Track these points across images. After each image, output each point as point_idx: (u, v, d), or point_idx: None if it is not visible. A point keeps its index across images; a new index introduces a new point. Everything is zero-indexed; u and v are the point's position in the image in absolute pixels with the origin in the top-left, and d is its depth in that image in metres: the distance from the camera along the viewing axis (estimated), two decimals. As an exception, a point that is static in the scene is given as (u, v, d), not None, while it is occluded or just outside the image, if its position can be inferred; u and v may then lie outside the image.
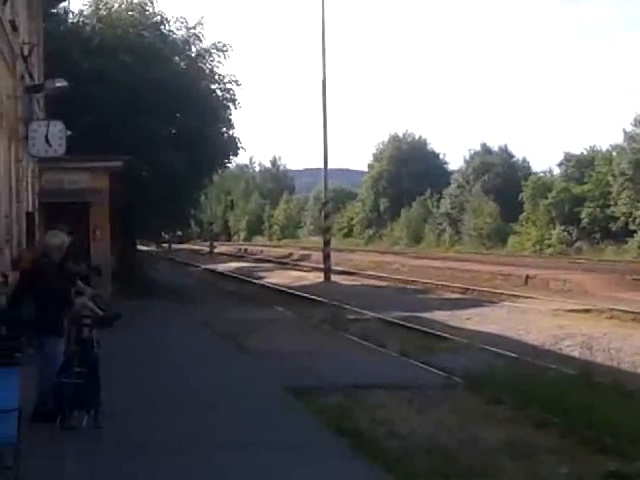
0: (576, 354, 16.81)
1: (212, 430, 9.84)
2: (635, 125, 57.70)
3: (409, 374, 13.72)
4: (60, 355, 10.01)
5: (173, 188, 28.86)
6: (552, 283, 32.86)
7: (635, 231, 56.80)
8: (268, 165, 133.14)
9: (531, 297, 28.30)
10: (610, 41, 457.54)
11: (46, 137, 19.81)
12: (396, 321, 21.59)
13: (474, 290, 31.42)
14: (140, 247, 39.50)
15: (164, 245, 48.14)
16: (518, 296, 28.72)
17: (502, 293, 29.83)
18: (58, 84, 21.36)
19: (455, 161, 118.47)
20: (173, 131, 30.40)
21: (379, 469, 8.17)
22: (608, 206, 60.18)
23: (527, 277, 34.72)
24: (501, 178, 78.39)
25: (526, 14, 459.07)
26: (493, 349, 16.53)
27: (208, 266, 52.28)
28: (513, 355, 15.55)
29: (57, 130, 20.05)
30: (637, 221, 56.37)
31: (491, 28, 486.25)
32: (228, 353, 16.21)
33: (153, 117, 28.22)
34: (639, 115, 57.37)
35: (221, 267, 51.52)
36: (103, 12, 30.99)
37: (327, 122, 39.31)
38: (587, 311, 24.15)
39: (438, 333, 19.13)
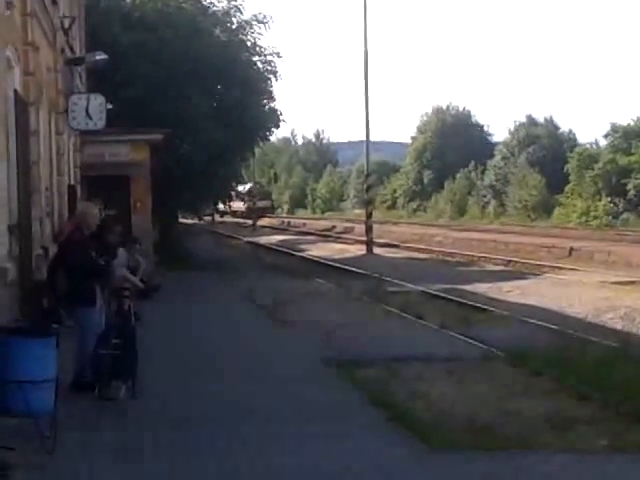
0: (619, 326, 16.63)
1: (249, 401, 9.87)
2: (683, 94, 56.76)
3: (448, 346, 13.63)
4: (95, 326, 10.07)
5: (214, 161, 28.90)
6: (597, 255, 32.50)
7: (682, 202, 56.04)
8: (311, 138, 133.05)
9: (575, 269, 28.03)
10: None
11: (86, 110, 19.91)
12: (437, 293, 21.49)
13: (517, 262, 31.19)
14: (182, 220, 39.68)
15: (207, 218, 48.27)
16: (561, 268, 28.46)
17: (545, 265, 29.57)
18: (98, 57, 21.43)
19: (500, 133, 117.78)
20: (214, 104, 30.37)
21: (414, 440, 8.14)
22: (655, 177, 59.35)
23: (571, 249, 34.38)
24: (546, 150, 77.61)
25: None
26: (534, 321, 16.38)
27: (250, 239, 52.39)
28: (554, 327, 15.39)
29: (97, 103, 20.14)
30: (684, 192, 55.58)
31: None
32: (267, 324, 16.24)
33: (194, 90, 28.23)
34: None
35: (264, 240, 51.60)
36: (143, -15, 31.00)
37: (369, 94, 39.11)
38: (631, 283, 23.87)
39: (479, 305, 18.98)
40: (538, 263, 30.36)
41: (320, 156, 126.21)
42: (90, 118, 19.85)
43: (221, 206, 43.10)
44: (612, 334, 14.93)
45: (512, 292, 22.62)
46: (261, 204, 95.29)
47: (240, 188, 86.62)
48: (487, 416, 9.11)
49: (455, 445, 7.95)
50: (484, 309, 18.37)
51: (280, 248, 42.76)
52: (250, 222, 73.34)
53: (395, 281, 24.49)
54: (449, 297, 20.61)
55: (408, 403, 9.65)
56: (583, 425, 8.74)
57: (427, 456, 7.72)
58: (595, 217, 62.74)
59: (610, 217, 61.40)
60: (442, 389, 10.52)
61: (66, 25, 19.91)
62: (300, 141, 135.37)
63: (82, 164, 23.72)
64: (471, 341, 13.99)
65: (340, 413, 9.39)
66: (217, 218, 62.37)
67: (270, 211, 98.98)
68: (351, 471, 7.32)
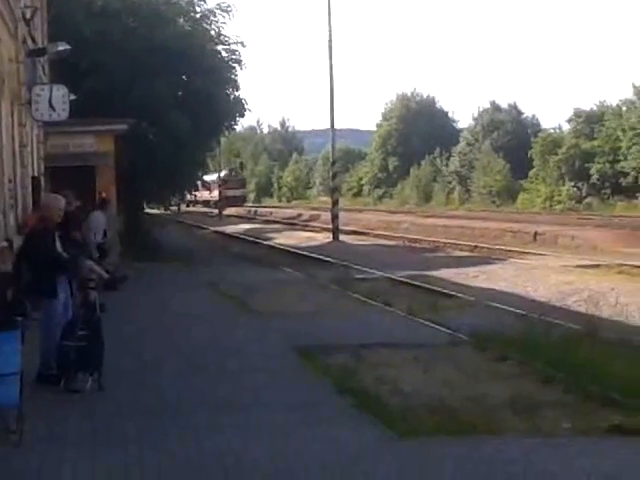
0: (583, 310, 16.79)
1: (218, 390, 9.87)
2: (645, 79, 57.28)
3: (415, 332, 13.71)
4: (58, 317, 10.02)
5: (179, 150, 28.78)
6: (561, 239, 32.80)
7: (645, 186, 56.56)
8: (277, 126, 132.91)
9: (539, 254, 28.27)
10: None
11: (49, 101, 19.72)
12: (404, 280, 21.59)
13: (483, 248, 31.40)
14: (148, 210, 39.50)
15: (173, 208, 48.12)
16: (526, 253, 28.69)
17: (510, 250, 29.79)
18: (61, 48, 21.26)
19: (464, 119, 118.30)
20: (179, 93, 30.24)
21: (382, 426, 8.19)
22: (618, 161, 59.87)
23: (536, 234, 34.66)
24: (510, 135, 78.11)
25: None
26: (500, 306, 16.53)
27: (217, 228, 52.30)
28: (520, 312, 15.51)
29: (60, 94, 19.95)
30: (647, 176, 56.11)
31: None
32: (235, 314, 16.23)
33: (158, 80, 28.07)
34: (649, 69, 56.89)
35: (230, 229, 51.54)
36: (106, -26, 30.73)
37: (334, 82, 39.15)
38: (596, 267, 24.12)
39: (445, 291, 19.11)
40: (503, 248, 30.58)
41: (286, 144, 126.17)
42: (53, 109, 19.67)
43: (188, 196, 42.98)
44: (576, 317, 15.10)
45: (478, 277, 22.78)
46: (233, 193, 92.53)
47: (214, 176, 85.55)
48: (454, 401, 9.19)
49: (422, 431, 8.01)
50: (451, 295, 18.49)
51: (247, 237, 42.74)
52: (216, 211, 73.21)
53: (362, 268, 24.58)
54: (416, 283, 20.71)
55: (375, 389, 9.72)
56: (548, 409, 8.83)
57: (395, 442, 7.76)
58: (559, 202, 63.29)
59: (573, 202, 61.96)
60: (409, 375, 10.58)
61: (28, 15, 19.69)
62: (266, 130, 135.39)
63: (46, 155, 23.53)
64: (438, 327, 14.08)
65: (308, 400, 9.42)
66: (183, 208, 62.15)
67: (242, 200, 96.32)
68: (319, 458, 7.33)
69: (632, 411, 8.29)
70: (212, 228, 52.56)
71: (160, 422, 8.47)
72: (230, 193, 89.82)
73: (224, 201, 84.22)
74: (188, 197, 44.90)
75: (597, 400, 8.88)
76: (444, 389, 9.77)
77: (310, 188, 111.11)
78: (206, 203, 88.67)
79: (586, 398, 9.04)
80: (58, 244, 10.16)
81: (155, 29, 28.43)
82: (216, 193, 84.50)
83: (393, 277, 22.22)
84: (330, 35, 38.60)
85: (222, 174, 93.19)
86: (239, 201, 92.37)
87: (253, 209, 79.85)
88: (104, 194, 21.04)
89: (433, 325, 14.30)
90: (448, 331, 13.56)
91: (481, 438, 7.86)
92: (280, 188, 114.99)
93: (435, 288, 19.70)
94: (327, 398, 9.49)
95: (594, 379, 9.42)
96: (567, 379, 9.70)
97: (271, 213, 70.30)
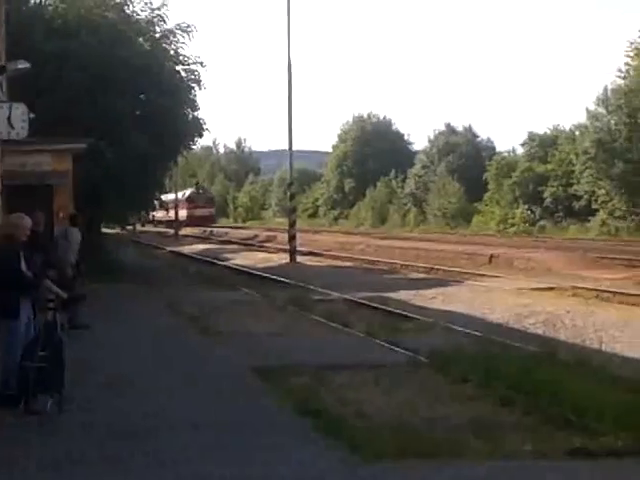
0: (540, 332, 16.97)
1: (178, 413, 9.85)
2: (598, 104, 58.03)
3: (375, 354, 13.74)
4: (19, 338, 9.94)
5: (138, 170, 28.69)
6: (516, 262, 33.09)
7: (597, 210, 57.29)
8: (233, 147, 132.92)
9: (495, 276, 28.49)
10: (575, 20, 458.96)
11: (8, 119, 19.52)
12: (362, 301, 21.65)
13: (439, 270, 31.57)
14: (105, 230, 39.27)
15: (129, 228, 47.86)
16: (482, 275, 28.90)
17: (467, 272, 30.00)
18: (20, 66, 21.08)
19: (420, 141, 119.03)
20: (137, 112, 30.18)
21: (345, 449, 8.19)
22: (571, 185, 60.64)
23: (491, 256, 34.93)
24: (465, 158, 78.78)
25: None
26: (458, 328, 16.60)
27: (173, 248, 52.09)
28: (478, 334, 15.61)
29: (19, 112, 19.76)
30: (599, 200, 56.83)
31: (455, 6, 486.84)
32: (193, 335, 16.17)
33: (117, 99, 27.99)
34: (601, 94, 57.68)
35: (186, 249, 51.36)
36: (65, -8, 30.67)
37: (292, 103, 39.26)
38: (550, 289, 24.36)
39: (404, 313, 19.17)
40: (460, 270, 30.79)
41: (242, 165, 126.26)
42: (12, 127, 19.47)
43: (150, 215, 42.73)
44: (534, 339, 15.22)
45: (436, 299, 22.91)
46: (201, 212, 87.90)
47: (179, 194, 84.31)
48: (415, 423, 9.23)
49: (386, 453, 8.02)
50: (409, 316, 18.56)
51: (204, 257, 42.60)
52: (172, 231, 72.84)
53: (320, 289, 24.61)
54: (374, 305, 20.77)
55: (338, 411, 9.71)
56: (508, 431, 8.88)
57: (358, 465, 7.77)
58: (512, 224, 63.92)
59: (527, 224, 62.60)
60: (370, 397, 10.61)
61: (-15, 34, 19.59)
62: (222, 150, 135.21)
63: (3, 173, 23.31)
64: (397, 349, 14.11)
65: (269, 423, 9.40)
66: (138, 227, 61.80)
67: (211, 220, 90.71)
68: (283, 482, 7.36)
69: (592, 433, 8.39)
70: (168, 248, 52.34)
71: (120, 445, 8.44)
72: (198, 212, 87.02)
73: (192, 221, 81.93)
74: (145, 217, 44.64)
75: (557, 422, 8.97)
76: (406, 411, 9.81)
77: (266, 209, 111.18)
78: (169, 223, 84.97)
79: (546, 420, 9.12)
80: (23, 264, 10.10)
81: (115, 48, 28.37)
82: (183, 213, 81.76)
83: (351, 298, 22.28)
84: (289, 56, 38.73)
85: (188, 192, 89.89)
86: (208, 221, 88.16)
87: (209, 229, 79.51)
88: (62, 213, 20.89)
89: (392, 347, 14.32)
90: (408, 353, 13.60)
91: (444, 460, 7.91)
92: (236, 208, 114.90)
93: (393, 310, 19.77)
94: (289, 420, 9.50)
95: (553, 401, 9.51)
96: (527, 401, 9.78)
97: (227, 233, 70.14)
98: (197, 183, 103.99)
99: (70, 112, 26.50)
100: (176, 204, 75.19)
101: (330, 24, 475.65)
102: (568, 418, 8.93)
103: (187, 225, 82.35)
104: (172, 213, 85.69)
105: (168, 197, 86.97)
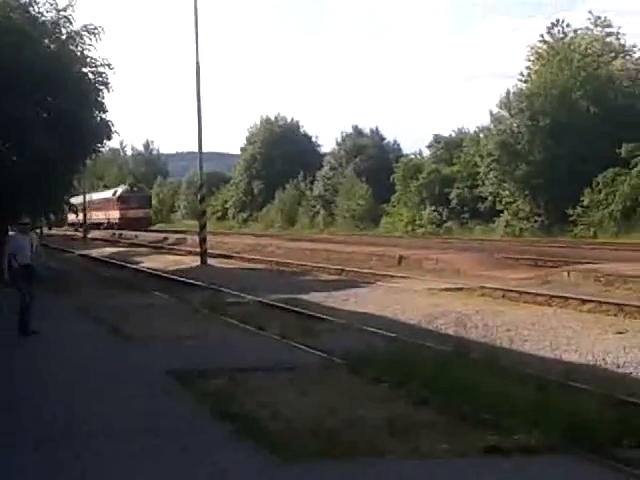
0: (451, 332, 17.25)
1: (91, 419, 9.79)
2: (501, 107, 59.21)
3: (290, 356, 13.79)
4: None
5: (45, 173, 28.21)
6: (425, 263, 33.48)
7: (502, 211, 58.38)
8: (141, 149, 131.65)
9: (405, 277, 28.79)
10: (477, 23, 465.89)
11: None
12: (275, 303, 21.67)
13: (350, 271, 31.78)
14: (11, 233, 38.49)
15: (36, 231, 47.07)
16: (393, 276, 29.18)
17: (377, 273, 30.25)
18: None
19: (328, 143, 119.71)
20: (44, 115, 29.70)
21: (264, 451, 8.25)
22: (476, 186, 61.64)
23: (400, 257, 35.28)
24: (373, 160, 79.47)
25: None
26: (371, 329, 16.76)
27: (82, 252, 51.42)
28: (391, 334, 15.80)
29: None
30: (503, 201, 57.93)
31: (361, 8, 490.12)
32: (107, 340, 16.04)
33: (23, 101, 27.49)
34: (504, 97, 58.84)
35: (95, 252, 50.76)
36: (-33, -7, 30.04)
37: (201, 105, 39.06)
38: (460, 289, 24.74)
39: (317, 315, 19.26)
40: (370, 272, 31.03)
41: (150, 167, 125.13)
42: None
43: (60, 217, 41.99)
44: (446, 339, 15.49)
45: (348, 301, 23.07)
46: (135, 213, 78.92)
47: (107, 194, 78.39)
48: (332, 424, 9.29)
49: (305, 455, 8.11)
50: (322, 318, 18.64)
51: (114, 261, 42.15)
52: (80, 235, 71.67)
53: (233, 292, 24.57)
54: (287, 307, 20.82)
55: (254, 414, 9.73)
56: (424, 430, 9.00)
57: (278, 468, 7.84)
58: (420, 225, 64.78)
59: (434, 225, 63.48)
60: (287, 398, 10.65)
61: None
62: (129, 152, 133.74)
63: None
64: (312, 350, 14.19)
65: (186, 427, 9.41)
66: (45, 231, 60.71)
67: (147, 223, 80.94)
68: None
69: (505, 431, 8.59)
70: (77, 252, 51.61)
71: (38, 454, 8.38)
72: (132, 214, 78.56)
73: (125, 223, 74.52)
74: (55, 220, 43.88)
75: (471, 420, 9.14)
76: (323, 412, 9.88)
77: (175, 212, 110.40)
78: (96, 226, 78.67)
79: (460, 419, 9.28)
80: None
81: (20, 49, 27.87)
82: (114, 214, 75.66)
83: (264, 301, 22.30)
84: (197, 58, 38.48)
85: (120, 190, 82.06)
86: (144, 223, 78.66)
87: (117, 232, 78.58)
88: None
89: (307, 348, 14.40)
90: (322, 354, 13.69)
91: (363, 461, 8.03)
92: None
93: (307, 312, 19.85)
94: (206, 424, 9.52)
95: (467, 400, 9.69)
96: (441, 400, 9.95)
97: (136, 236, 69.39)
98: (105, 186, 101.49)
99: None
100: (84, 206, 72.99)
101: (237, 26, 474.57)
102: (482, 417, 9.12)
103: (119, 228, 75.66)
104: (93, 215, 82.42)
105: (103, 195, 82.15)
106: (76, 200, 76.96)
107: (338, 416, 9.70)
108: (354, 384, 11.45)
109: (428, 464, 7.99)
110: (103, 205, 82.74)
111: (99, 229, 77.70)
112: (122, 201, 79.20)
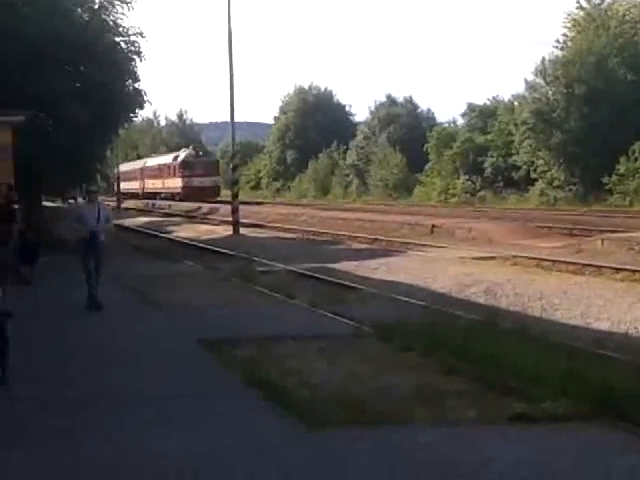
0: (482, 300, 17.20)
1: (124, 384, 9.91)
2: (536, 75, 58.55)
3: (320, 324, 13.83)
4: None
5: (78, 143, 28.33)
6: (457, 232, 33.39)
7: (536, 179, 57.94)
8: (174, 119, 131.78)
9: (437, 246, 28.74)
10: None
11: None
12: (305, 272, 21.71)
13: (382, 240, 31.76)
14: (46, 203, 38.86)
15: (71, 201, 47.37)
16: (425, 245, 29.13)
17: (409, 242, 30.21)
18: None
19: (361, 113, 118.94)
20: (77, 85, 29.77)
21: (292, 419, 8.29)
22: (510, 155, 61.17)
23: (433, 226, 35.20)
24: (406, 129, 79.07)
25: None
26: (402, 298, 16.76)
27: (116, 221, 51.59)
28: (421, 303, 15.79)
29: (-45, 85, 19.50)
30: (538, 170, 57.47)
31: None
32: (139, 307, 16.16)
33: (56, 71, 27.58)
34: (539, 65, 58.19)
35: (129, 222, 51.02)
36: (-1, -38, 30.05)
37: (233, 75, 38.99)
38: (492, 258, 24.65)
39: (347, 283, 19.28)
40: (402, 240, 31.00)
41: (183, 137, 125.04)
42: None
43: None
44: (476, 308, 15.46)
45: (379, 269, 23.04)
46: (201, 181, 67.97)
47: (167, 158, 71.23)
48: (360, 392, 9.32)
49: (331, 422, 8.12)
50: (353, 287, 18.66)
51: (146, 230, 42.36)
52: (114, 204, 71.66)
53: (264, 261, 24.62)
54: (318, 276, 20.85)
55: (283, 381, 9.78)
56: (452, 398, 9.01)
57: (305, 434, 7.87)
58: (454, 195, 64.45)
59: (468, 195, 63.14)
60: (315, 366, 10.69)
61: None
62: (163, 122, 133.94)
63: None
64: (341, 319, 14.21)
65: (216, 393, 9.50)
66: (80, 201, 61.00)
67: (215, 192, 68.56)
68: (229, 452, 7.41)
69: (533, 399, 8.55)
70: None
71: (66, 418, 8.46)
72: (197, 182, 68.38)
73: (190, 194, 65.45)
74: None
75: (499, 389, 9.11)
76: (351, 380, 9.91)
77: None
78: (152, 196, 71.37)
79: (489, 387, 9.26)
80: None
81: (52, 19, 27.90)
82: (176, 182, 66.83)
83: (295, 270, 22.32)
84: (230, 26, 38.47)
85: (182, 155, 72.28)
86: (211, 194, 67.03)
87: (151, 202, 78.89)
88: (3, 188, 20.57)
89: (337, 317, 14.42)
90: (352, 323, 13.71)
91: (390, 428, 8.03)
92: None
93: (337, 280, 19.87)
94: (235, 391, 9.59)
95: (496, 368, 9.67)
96: (470, 369, 9.94)
97: (170, 206, 69.57)
98: (138, 156, 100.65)
99: (6, 84, 26.05)
100: (184, 169, 65.07)
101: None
102: (510, 385, 9.10)
103: (182, 199, 66.82)
104: (138, 184, 77.32)
105: (179, 157, 72.38)
106: (174, 157, 69.60)
107: (366, 384, 9.72)
108: (383, 352, 11.46)
109: (455, 431, 7.98)
110: (160, 172, 73.22)
111: (154, 199, 69.66)
112: (185, 167, 68.99)
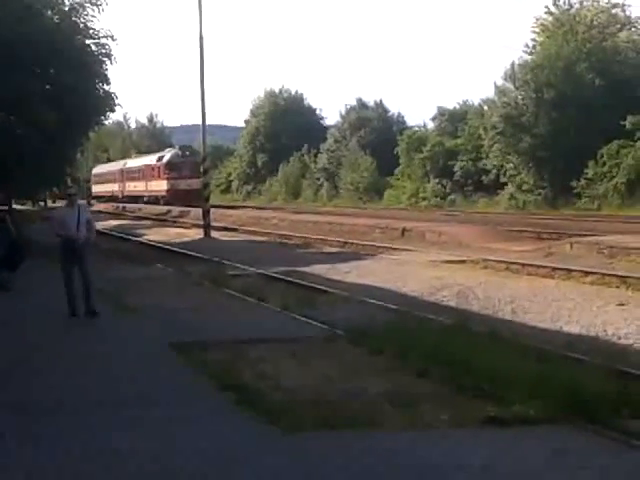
0: (453, 304, 17.25)
1: (93, 388, 9.86)
2: (505, 79, 58.88)
3: (291, 328, 13.83)
4: None
5: (48, 145, 28.21)
6: (428, 235, 33.48)
7: (505, 183, 58.24)
8: (144, 122, 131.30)
9: (408, 249, 28.78)
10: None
11: None
12: (277, 276, 21.69)
13: (352, 244, 31.78)
14: (16, 206, 38.60)
15: (40, 203, 47.07)
16: (395, 248, 29.17)
17: (380, 246, 30.26)
18: None
19: (332, 116, 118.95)
20: (47, 87, 29.64)
21: (264, 422, 8.30)
22: (480, 159, 61.45)
23: (404, 230, 35.26)
24: (377, 133, 79.19)
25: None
26: (373, 301, 16.77)
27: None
28: (393, 306, 15.80)
29: None
30: (507, 174, 57.76)
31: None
32: (109, 311, 16.04)
33: (26, 73, 27.42)
34: (509, 69, 58.53)
35: (99, 225, 50.59)
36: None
37: (204, 77, 38.89)
38: (462, 262, 24.73)
39: (319, 287, 19.26)
40: (373, 244, 31.04)
41: (153, 140, 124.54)
42: None
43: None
44: (447, 311, 15.50)
45: (350, 273, 23.05)
46: (187, 184, 61.52)
47: (149, 158, 68.27)
48: (334, 395, 9.36)
49: (305, 426, 8.15)
50: (324, 290, 18.64)
51: (117, 233, 42.15)
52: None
53: (235, 264, 24.55)
54: (289, 279, 20.82)
55: (255, 385, 9.79)
56: (424, 401, 9.05)
57: (278, 438, 7.88)
58: (424, 198, 64.68)
59: (438, 198, 63.38)
60: (287, 370, 10.71)
61: None
62: (133, 125, 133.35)
63: None
64: (313, 322, 14.21)
65: (187, 397, 9.49)
66: (50, 204, 60.70)
67: (197, 197, 53.91)
68: (201, 455, 7.41)
69: (505, 402, 8.61)
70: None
71: (39, 422, 8.44)
72: (184, 185, 62.69)
73: (175, 197, 61.23)
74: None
75: (471, 392, 9.17)
76: (324, 383, 9.94)
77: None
78: (133, 199, 69.51)
79: (460, 390, 9.33)
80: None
81: (22, 21, 27.76)
82: (161, 185, 63.70)
83: (266, 273, 22.29)
84: (201, 30, 38.41)
85: (168, 155, 67.72)
86: (199, 197, 54.38)
87: (121, 205, 78.34)
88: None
89: (309, 320, 14.42)
90: (324, 326, 13.71)
91: (363, 431, 8.07)
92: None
93: (309, 284, 19.85)
94: (208, 394, 9.57)
95: (467, 371, 9.71)
96: (441, 372, 9.98)
97: (140, 209, 69.24)
98: (108, 159, 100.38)
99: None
100: (169, 170, 62.73)
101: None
102: (482, 388, 9.15)
103: (167, 203, 63.10)
104: (117, 187, 76.16)
105: (164, 158, 68.63)
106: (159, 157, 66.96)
107: (339, 387, 9.76)
108: (355, 356, 11.49)
109: (427, 434, 8.03)
110: (143, 174, 69.80)
111: (137, 203, 66.74)
112: (171, 169, 64.87)
